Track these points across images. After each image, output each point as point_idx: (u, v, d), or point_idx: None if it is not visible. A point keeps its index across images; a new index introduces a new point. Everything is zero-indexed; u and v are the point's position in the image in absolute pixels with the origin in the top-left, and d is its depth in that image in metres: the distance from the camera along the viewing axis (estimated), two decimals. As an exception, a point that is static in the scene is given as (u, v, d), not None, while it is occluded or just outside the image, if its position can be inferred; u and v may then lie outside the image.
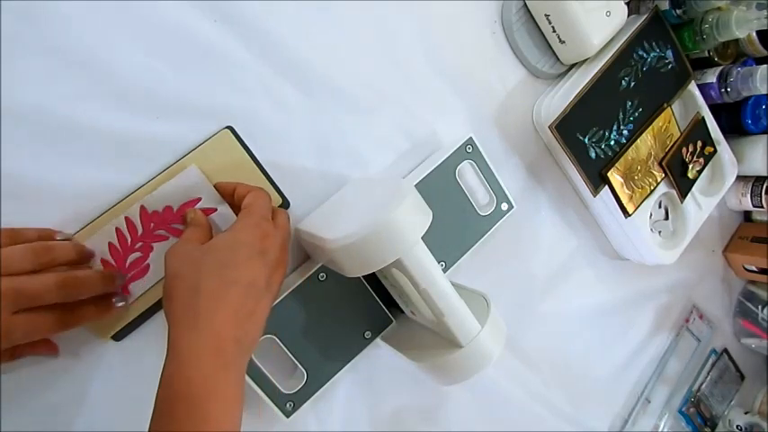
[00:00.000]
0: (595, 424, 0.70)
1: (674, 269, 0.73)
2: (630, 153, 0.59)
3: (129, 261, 0.42)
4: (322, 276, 0.46)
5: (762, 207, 0.73)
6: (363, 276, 0.47)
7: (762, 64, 0.62)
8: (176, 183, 0.42)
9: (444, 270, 0.51)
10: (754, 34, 0.66)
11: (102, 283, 0.38)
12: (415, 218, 0.37)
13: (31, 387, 0.40)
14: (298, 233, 0.47)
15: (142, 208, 0.41)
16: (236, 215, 0.43)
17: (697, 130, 0.63)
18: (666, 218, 0.68)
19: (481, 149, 0.52)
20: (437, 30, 0.53)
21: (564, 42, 0.56)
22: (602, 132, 0.57)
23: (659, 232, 0.67)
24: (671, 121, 0.61)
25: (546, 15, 0.55)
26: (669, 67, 0.60)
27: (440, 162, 0.50)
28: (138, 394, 0.35)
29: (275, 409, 0.45)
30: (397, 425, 0.55)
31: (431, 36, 0.53)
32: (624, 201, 0.59)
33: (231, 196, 0.43)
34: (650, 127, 0.60)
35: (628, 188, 0.59)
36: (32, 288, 0.33)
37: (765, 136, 0.69)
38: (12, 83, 0.37)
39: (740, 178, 0.72)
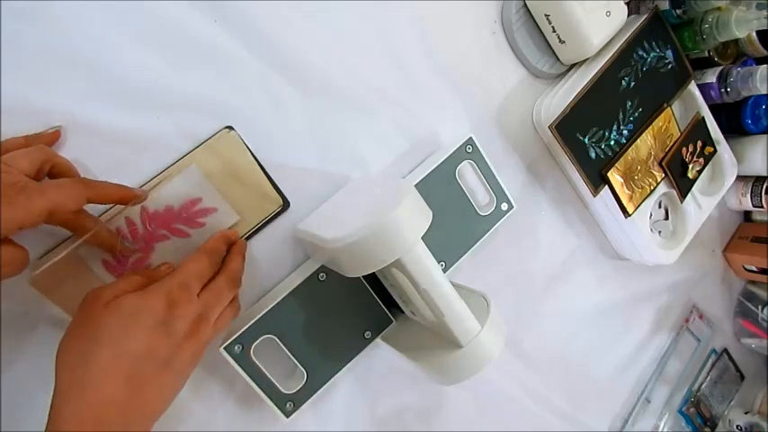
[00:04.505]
0: (595, 424, 0.70)
1: (674, 269, 0.73)
2: (630, 153, 0.59)
3: (130, 261, 0.42)
4: (322, 276, 0.46)
5: (762, 207, 0.73)
6: (363, 276, 0.47)
7: (762, 64, 0.62)
8: (177, 182, 0.42)
9: (444, 270, 0.51)
10: (754, 34, 0.66)
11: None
12: (414, 218, 0.37)
13: (31, 388, 0.40)
14: (298, 233, 0.47)
15: (143, 208, 0.41)
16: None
17: (697, 130, 0.63)
18: (666, 218, 0.68)
19: (481, 149, 0.52)
20: (437, 30, 0.53)
21: (564, 42, 0.56)
22: (602, 132, 0.57)
23: (659, 232, 0.67)
24: (671, 121, 0.61)
25: (546, 15, 0.55)
26: (669, 67, 0.60)
27: (440, 162, 0.50)
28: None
29: (275, 409, 0.45)
30: (397, 425, 0.55)
31: (431, 36, 0.53)
32: (624, 201, 0.59)
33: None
34: (650, 127, 0.60)
35: (628, 188, 0.59)
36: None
37: (765, 136, 0.69)
38: (12, 83, 0.37)
39: (740, 178, 0.72)
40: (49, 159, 0.35)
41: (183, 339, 0.35)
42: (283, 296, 0.44)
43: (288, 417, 0.45)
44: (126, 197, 0.39)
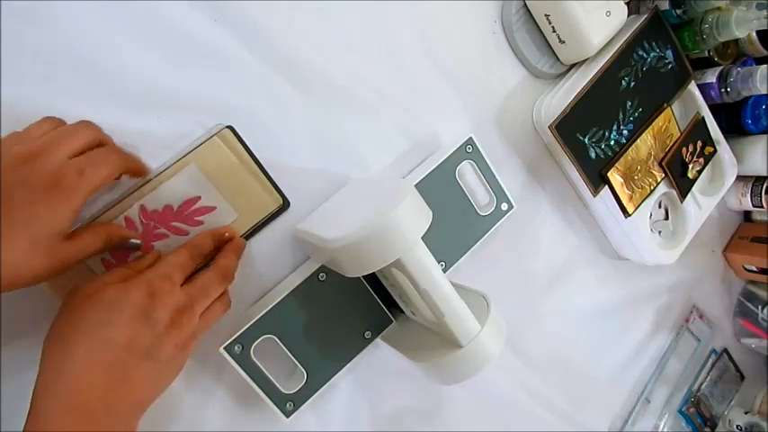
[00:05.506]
0: (595, 424, 0.70)
1: (674, 269, 0.73)
2: (630, 153, 0.59)
3: (130, 260, 0.42)
4: (322, 276, 0.46)
5: (762, 207, 0.73)
6: (363, 276, 0.47)
7: (762, 64, 0.62)
8: (176, 182, 0.42)
9: (444, 270, 0.51)
10: (754, 34, 0.66)
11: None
12: (414, 218, 0.37)
13: (31, 388, 0.40)
14: (297, 233, 0.47)
15: (142, 207, 0.41)
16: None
17: (697, 130, 0.63)
18: (666, 218, 0.68)
19: (481, 149, 0.52)
20: (437, 30, 0.53)
21: (564, 42, 0.56)
22: (602, 132, 0.57)
23: (659, 232, 0.67)
24: (671, 121, 0.61)
25: (546, 15, 0.55)
26: (669, 67, 0.60)
27: (440, 162, 0.50)
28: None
29: (275, 409, 0.45)
30: (397, 425, 0.55)
31: (431, 36, 0.53)
32: (624, 201, 0.59)
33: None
34: (650, 127, 0.60)
35: (628, 188, 0.59)
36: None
37: (765, 136, 0.69)
38: (12, 83, 0.37)
39: (740, 178, 0.72)
40: (59, 124, 0.37)
41: (164, 330, 0.35)
42: (283, 296, 0.44)
43: (288, 417, 0.45)
44: (142, 171, 0.41)
